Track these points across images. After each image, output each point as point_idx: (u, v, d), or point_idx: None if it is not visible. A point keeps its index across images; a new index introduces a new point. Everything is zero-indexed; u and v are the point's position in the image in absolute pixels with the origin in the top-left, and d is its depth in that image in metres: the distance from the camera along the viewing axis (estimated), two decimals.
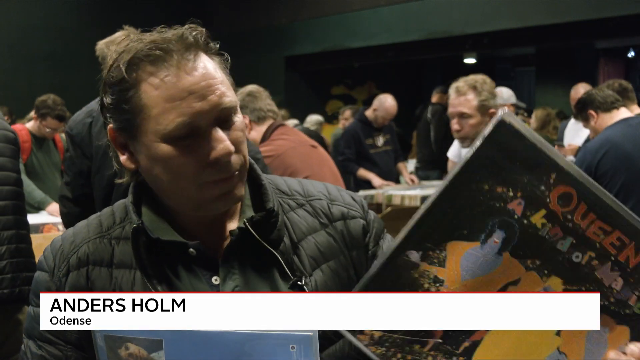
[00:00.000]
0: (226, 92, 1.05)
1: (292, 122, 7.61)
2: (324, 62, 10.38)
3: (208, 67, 1.04)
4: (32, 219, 4.15)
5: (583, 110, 3.64)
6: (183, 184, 1.05)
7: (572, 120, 6.39)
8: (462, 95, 2.92)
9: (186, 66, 1.02)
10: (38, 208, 4.57)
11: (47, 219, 4.26)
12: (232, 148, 1.03)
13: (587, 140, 5.57)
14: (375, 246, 1.21)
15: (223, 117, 1.04)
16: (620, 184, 3.40)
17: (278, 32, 10.31)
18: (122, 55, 1.04)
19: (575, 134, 6.04)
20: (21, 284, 2.66)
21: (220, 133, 1.03)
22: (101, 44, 3.06)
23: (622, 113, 3.56)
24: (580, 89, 5.91)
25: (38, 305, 1.09)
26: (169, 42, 1.03)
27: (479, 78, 2.93)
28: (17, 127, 4.94)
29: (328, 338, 1.08)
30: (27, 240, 2.73)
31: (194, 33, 1.05)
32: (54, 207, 4.47)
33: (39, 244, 3.63)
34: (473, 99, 2.90)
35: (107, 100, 1.06)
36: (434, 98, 7.97)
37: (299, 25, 10.11)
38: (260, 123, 3.33)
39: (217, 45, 1.09)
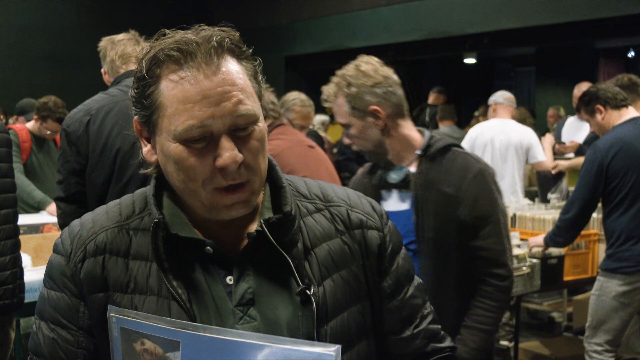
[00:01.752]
0: (244, 99, 1.03)
1: None
2: (324, 62, 10.37)
3: (229, 73, 1.03)
4: (32, 219, 4.16)
5: (589, 103, 3.61)
6: (193, 187, 1.05)
7: (571, 118, 6.38)
8: (333, 102, 2.20)
9: (206, 70, 1.02)
10: (38, 208, 4.57)
11: (47, 219, 4.26)
12: (238, 158, 1.02)
13: (591, 138, 5.58)
14: (390, 263, 1.21)
15: (238, 125, 1.03)
16: (630, 184, 3.40)
17: (278, 32, 10.31)
18: (149, 52, 1.05)
19: (576, 132, 6.03)
20: (18, 292, 2.70)
21: (228, 142, 1.02)
22: (105, 41, 3.06)
23: (631, 112, 3.55)
24: (584, 89, 5.90)
25: (51, 288, 1.12)
26: (194, 43, 1.02)
27: (349, 70, 2.16)
28: (17, 127, 4.94)
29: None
30: (20, 246, 2.76)
31: (221, 35, 1.04)
32: (54, 207, 4.47)
33: (39, 244, 3.65)
34: (343, 104, 2.16)
35: (132, 93, 1.08)
36: (431, 99, 7.97)
37: (299, 25, 10.10)
38: None
39: (250, 51, 1.08)
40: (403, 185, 2.17)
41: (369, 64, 2.17)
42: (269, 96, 3.43)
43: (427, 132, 2.21)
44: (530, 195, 5.85)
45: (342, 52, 9.73)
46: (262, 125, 1.07)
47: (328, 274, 1.13)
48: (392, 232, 1.23)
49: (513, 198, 5.00)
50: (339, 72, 2.18)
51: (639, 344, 4.07)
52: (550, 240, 3.62)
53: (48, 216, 4.39)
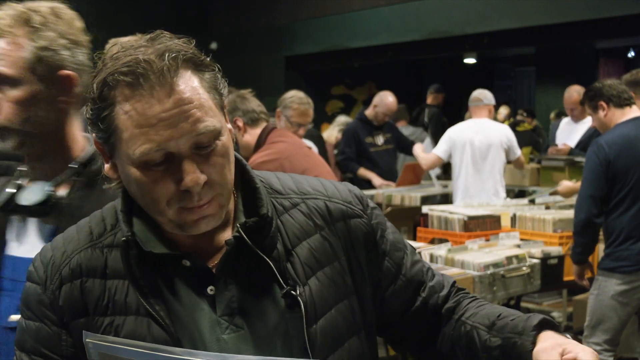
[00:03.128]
0: (202, 116, 1.00)
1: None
2: (324, 62, 10.38)
3: (185, 91, 0.99)
4: None
5: (593, 99, 3.61)
6: (158, 207, 1.02)
7: (565, 120, 6.39)
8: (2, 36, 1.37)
9: (160, 91, 0.97)
10: None
11: None
12: (201, 180, 0.99)
13: (584, 141, 5.58)
14: (385, 244, 1.19)
15: (201, 143, 1.00)
16: (631, 184, 3.40)
17: (278, 32, 10.31)
18: (100, 73, 1.01)
19: (569, 134, 6.04)
20: None
21: (189, 164, 0.99)
22: (111, 43, 3.06)
23: (634, 111, 3.55)
24: (574, 93, 5.90)
25: (29, 318, 1.09)
26: (146, 62, 0.98)
27: (44, 9, 1.45)
28: None
29: None
30: None
31: (175, 49, 1.00)
32: None
33: None
34: (23, 47, 1.38)
35: (87, 113, 1.04)
36: (429, 99, 7.97)
37: (299, 25, 10.10)
38: (254, 126, 3.28)
39: (207, 59, 1.05)
40: (43, 213, 1.39)
41: (70, 15, 1.54)
42: (253, 99, 3.36)
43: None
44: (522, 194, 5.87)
45: (342, 52, 9.74)
46: (225, 138, 1.03)
47: (312, 273, 1.10)
48: (375, 213, 1.21)
49: (495, 198, 5.01)
50: (22, 5, 1.42)
51: (638, 343, 4.07)
52: (573, 255, 3.56)
53: None
